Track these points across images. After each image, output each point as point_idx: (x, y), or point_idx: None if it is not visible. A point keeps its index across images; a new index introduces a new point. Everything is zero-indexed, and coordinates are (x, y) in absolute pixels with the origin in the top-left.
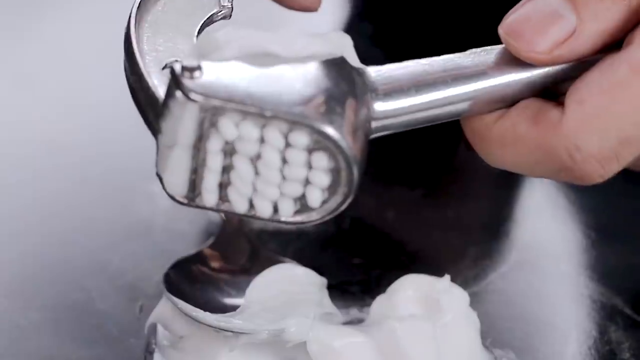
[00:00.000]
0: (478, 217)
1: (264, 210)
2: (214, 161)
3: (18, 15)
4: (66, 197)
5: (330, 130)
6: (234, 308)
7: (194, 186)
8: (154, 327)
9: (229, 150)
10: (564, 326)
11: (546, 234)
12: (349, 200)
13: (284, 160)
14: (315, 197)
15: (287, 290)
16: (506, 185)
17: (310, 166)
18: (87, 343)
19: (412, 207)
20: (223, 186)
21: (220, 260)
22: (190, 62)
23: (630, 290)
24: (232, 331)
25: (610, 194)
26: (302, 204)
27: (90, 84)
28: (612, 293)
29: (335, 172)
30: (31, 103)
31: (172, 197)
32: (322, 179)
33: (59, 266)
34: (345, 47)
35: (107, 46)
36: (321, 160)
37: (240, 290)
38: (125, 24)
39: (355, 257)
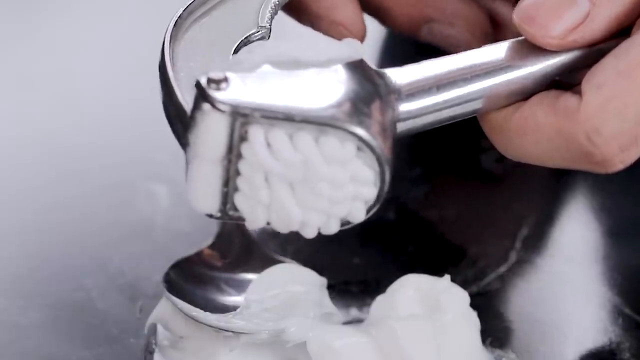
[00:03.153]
0: (478, 217)
1: (309, 233)
2: (250, 171)
3: (20, 16)
4: (66, 197)
5: (360, 131)
6: (234, 308)
7: (227, 199)
8: (154, 327)
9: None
10: (564, 326)
11: (547, 234)
12: (380, 202)
13: (328, 181)
14: (359, 212)
15: (287, 290)
16: (506, 185)
17: (353, 180)
18: (87, 343)
19: (412, 207)
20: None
21: (220, 260)
22: (216, 74)
23: (630, 290)
24: (232, 331)
25: (611, 195)
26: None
27: (92, 84)
28: (613, 293)
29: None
30: (32, 103)
31: (204, 213)
32: (368, 192)
33: (59, 265)
34: (359, 52)
35: (109, 47)
36: (361, 170)
37: (240, 290)
38: (162, 40)
39: (355, 257)
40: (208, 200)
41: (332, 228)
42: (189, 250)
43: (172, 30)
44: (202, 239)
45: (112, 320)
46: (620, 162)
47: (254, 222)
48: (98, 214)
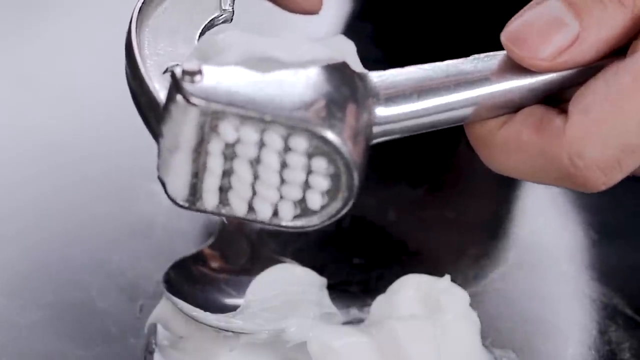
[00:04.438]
0: (478, 217)
1: (263, 213)
2: (215, 164)
3: (18, 16)
4: (67, 197)
5: (330, 135)
6: (234, 308)
7: (195, 190)
8: (154, 327)
9: (230, 154)
10: (564, 326)
11: (546, 234)
12: (349, 206)
13: (284, 164)
14: (315, 201)
15: (287, 290)
16: (506, 185)
17: (310, 170)
18: (86, 343)
19: (412, 207)
20: (224, 190)
21: (220, 260)
22: (191, 66)
23: (630, 290)
24: (232, 331)
25: (611, 194)
26: (303, 208)
27: (91, 84)
28: (613, 293)
29: (335, 177)
30: (32, 103)
31: (174, 201)
32: (322, 183)
33: (59, 265)
34: (348, 52)
35: (107, 46)
36: (321, 164)
37: (240, 290)
38: (127, 28)
39: (355, 257)
40: (178, 190)
41: (286, 212)
42: (189, 250)
43: (137, 17)
44: (202, 239)
45: (112, 320)
46: (602, 184)
47: (207, 200)
48: (98, 213)
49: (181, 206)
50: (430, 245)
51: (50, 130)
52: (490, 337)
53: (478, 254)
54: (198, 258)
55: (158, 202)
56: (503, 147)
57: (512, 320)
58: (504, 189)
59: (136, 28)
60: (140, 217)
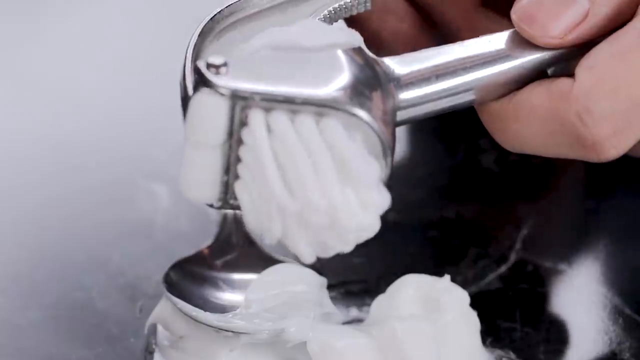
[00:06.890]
0: (478, 217)
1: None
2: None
3: (20, 17)
4: (67, 197)
5: (362, 113)
6: (234, 308)
7: (227, 187)
8: (154, 327)
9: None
10: (563, 326)
11: (546, 234)
12: None
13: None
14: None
15: (287, 290)
16: (506, 185)
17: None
18: (87, 342)
19: (412, 207)
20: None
21: (220, 260)
22: (215, 59)
23: (630, 290)
24: (232, 331)
25: (611, 194)
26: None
27: (93, 84)
28: (613, 293)
29: None
30: (33, 102)
31: (204, 202)
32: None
33: (59, 265)
34: (358, 42)
35: (110, 47)
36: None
37: (240, 290)
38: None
39: (355, 257)
40: (207, 189)
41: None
42: (189, 250)
43: (204, 25)
44: (202, 239)
45: (112, 320)
46: (612, 146)
47: (270, 236)
48: (98, 213)
49: (212, 206)
50: (430, 245)
51: (50, 129)
52: (490, 337)
53: (478, 254)
54: (198, 258)
55: (158, 202)
56: (514, 115)
57: (512, 320)
58: (504, 190)
59: (199, 35)
60: (140, 218)
